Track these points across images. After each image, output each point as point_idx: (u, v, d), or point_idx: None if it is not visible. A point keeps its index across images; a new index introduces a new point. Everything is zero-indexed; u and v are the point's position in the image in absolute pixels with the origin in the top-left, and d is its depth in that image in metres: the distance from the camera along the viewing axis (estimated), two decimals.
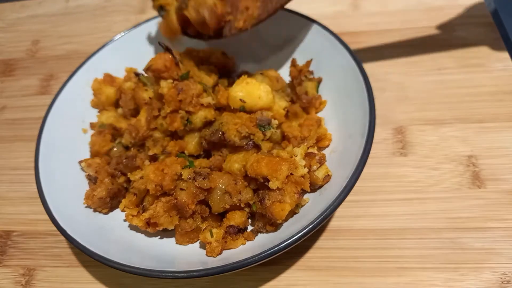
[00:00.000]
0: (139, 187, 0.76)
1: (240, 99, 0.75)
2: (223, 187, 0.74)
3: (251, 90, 0.76)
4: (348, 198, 0.69)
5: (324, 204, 0.69)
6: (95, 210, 0.81)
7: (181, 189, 0.73)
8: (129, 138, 0.82)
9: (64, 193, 0.80)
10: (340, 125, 0.84)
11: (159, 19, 1.03)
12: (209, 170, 0.76)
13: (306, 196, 0.77)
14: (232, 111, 0.79)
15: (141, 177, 0.75)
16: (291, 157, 0.76)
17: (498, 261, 0.73)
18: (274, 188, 0.71)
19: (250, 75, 0.93)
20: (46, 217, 0.74)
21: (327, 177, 0.77)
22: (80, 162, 0.85)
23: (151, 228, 0.75)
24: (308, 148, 0.80)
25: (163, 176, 0.74)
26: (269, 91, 0.77)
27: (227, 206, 0.74)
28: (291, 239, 0.64)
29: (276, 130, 0.79)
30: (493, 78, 0.97)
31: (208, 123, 0.81)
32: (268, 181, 0.71)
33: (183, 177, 0.74)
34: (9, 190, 1.00)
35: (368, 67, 0.84)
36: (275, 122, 0.78)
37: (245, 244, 0.75)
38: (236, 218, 0.75)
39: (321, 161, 0.78)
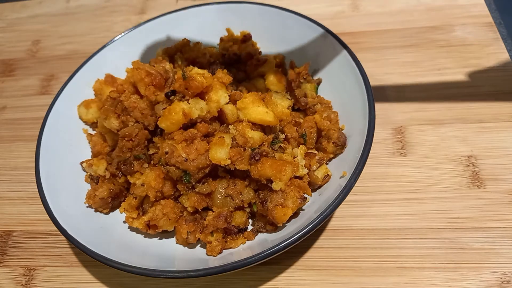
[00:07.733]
0: (140, 194, 0.77)
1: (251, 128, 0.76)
2: (223, 190, 0.74)
3: (253, 117, 0.76)
4: (347, 198, 0.69)
5: (324, 204, 0.69)
6: (96, 210, 0.81)
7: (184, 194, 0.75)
8: None
9: (64, 193, 0.80)
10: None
11: (159, 20, 1.03)
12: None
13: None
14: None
15: (142, 184, 0.76)
16: (293, 159, 0.76)
17: (498, 261, 0.73)
18: (277, 190, 0.71)
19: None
20: (46, 217, 0.74)
21: (327, 177, 0.77)
22: (81, 163, 0.86)
23: (151, 230, 0.75)
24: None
25: (163, 183, 0.76)
26: (265, 113, 0.76)
27: (232, 209, 0.75)
28: (291, 239, 0.64)
29: (282, 143, 0.79)
30: (493, 78, 0.97)
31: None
32: (271, 182, 0.71)
33: (181, 192, 0.75)
34: (9, 190, 1.00)
35: (368, 67, 0.84)
36: (282, 136, 0.79)
37: (245, 243, 0.75)
38: (237, 218, 0.75)
39: (321, 161, 0.78)
